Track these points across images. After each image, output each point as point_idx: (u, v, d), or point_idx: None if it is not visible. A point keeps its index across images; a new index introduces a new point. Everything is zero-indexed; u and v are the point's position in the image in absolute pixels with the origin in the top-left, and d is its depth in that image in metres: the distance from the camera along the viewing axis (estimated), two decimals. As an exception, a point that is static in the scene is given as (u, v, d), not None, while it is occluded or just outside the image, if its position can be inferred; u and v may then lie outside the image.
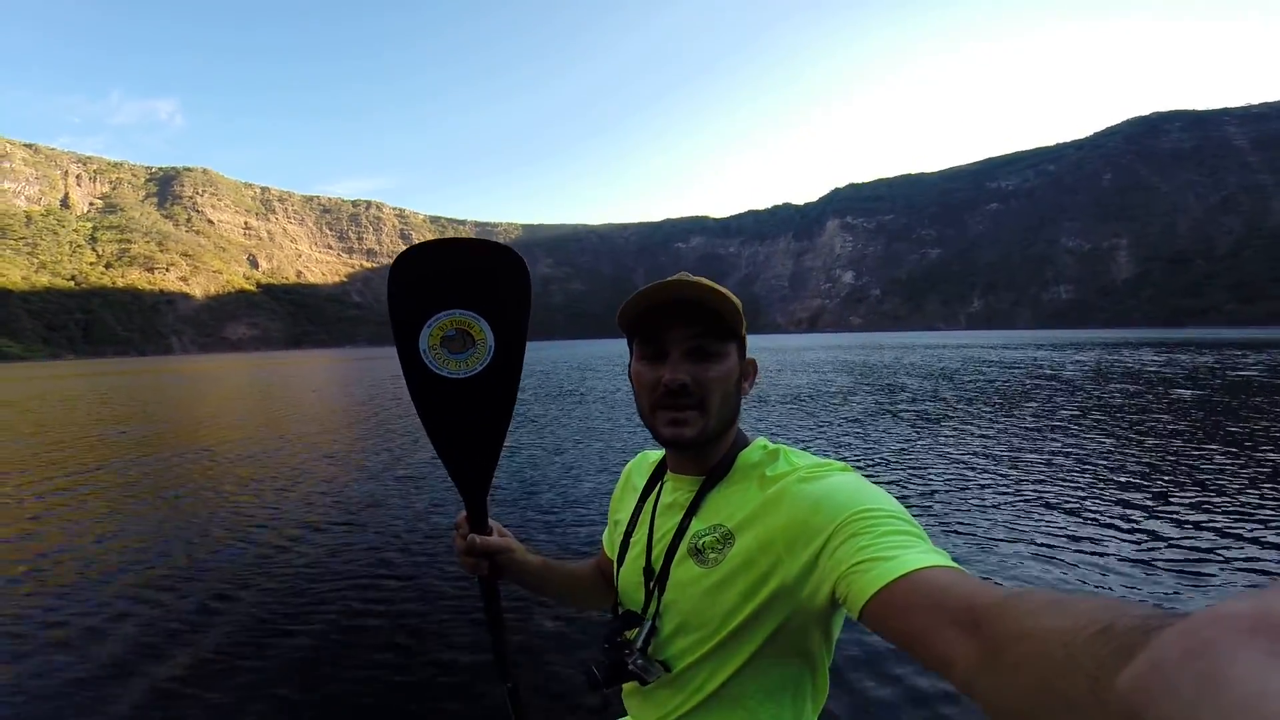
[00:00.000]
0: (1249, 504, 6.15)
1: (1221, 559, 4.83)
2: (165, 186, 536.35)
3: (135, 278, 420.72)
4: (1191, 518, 5.75)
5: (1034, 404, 14.52)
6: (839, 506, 0.72)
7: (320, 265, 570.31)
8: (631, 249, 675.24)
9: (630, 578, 0.95)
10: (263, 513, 6.64)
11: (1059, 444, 9.52)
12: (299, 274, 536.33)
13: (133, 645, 3.71)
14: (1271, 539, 5.24)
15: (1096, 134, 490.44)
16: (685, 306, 0.83)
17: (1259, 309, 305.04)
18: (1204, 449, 8.89)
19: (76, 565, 5.16)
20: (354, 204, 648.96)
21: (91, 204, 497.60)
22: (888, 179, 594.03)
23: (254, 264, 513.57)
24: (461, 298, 0.88)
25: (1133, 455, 8.68)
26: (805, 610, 0.75)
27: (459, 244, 0.87)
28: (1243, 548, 5.04)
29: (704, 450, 0.89)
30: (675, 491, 0.93)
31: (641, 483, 1.04)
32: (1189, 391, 16.27)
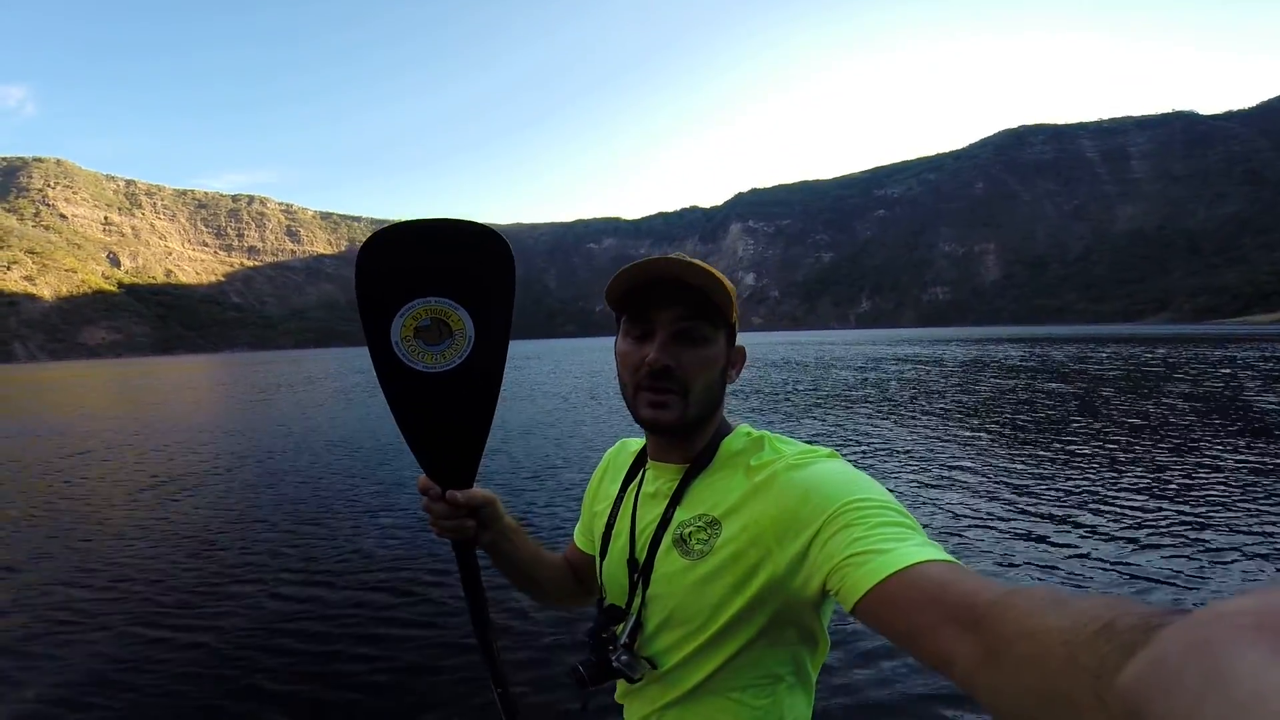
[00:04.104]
0: (1113, 472, 7.40)
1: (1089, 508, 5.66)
2: (9, 178, 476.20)
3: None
4: (1061, 480, 7.00)
5: (925, 394, 15.16)
6: (830, 496, 0.70)
7: (194, 264, 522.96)
8: (542, 249, 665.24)
9: (614, 570, 0.92)
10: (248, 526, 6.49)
11: (933, 428, 9.88)
12: (168, 273, 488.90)
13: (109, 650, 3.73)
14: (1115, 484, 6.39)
15: (971, 145, 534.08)
16: (676, 286, 0.80)
17: (1106, 308, 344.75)
18: (1073, 429, 9.55)
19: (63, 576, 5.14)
20: (234, 199, 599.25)
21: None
22: (787, 185, 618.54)
23: (115, 262, 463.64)
24: (438, 284, 0.80)
25: (1020, 436, 9.34)
26: (796, 601, 0.73)
27: (435, 225, 0.79)
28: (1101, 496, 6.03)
29: (685, 437, 0.86)
30: (657, 480, 0.91)
31: (621, 472, 1.00)
32: (1055, 384, 17.69)
